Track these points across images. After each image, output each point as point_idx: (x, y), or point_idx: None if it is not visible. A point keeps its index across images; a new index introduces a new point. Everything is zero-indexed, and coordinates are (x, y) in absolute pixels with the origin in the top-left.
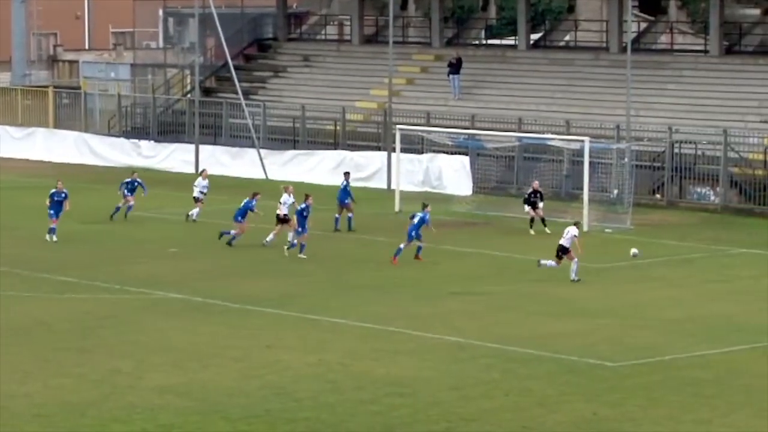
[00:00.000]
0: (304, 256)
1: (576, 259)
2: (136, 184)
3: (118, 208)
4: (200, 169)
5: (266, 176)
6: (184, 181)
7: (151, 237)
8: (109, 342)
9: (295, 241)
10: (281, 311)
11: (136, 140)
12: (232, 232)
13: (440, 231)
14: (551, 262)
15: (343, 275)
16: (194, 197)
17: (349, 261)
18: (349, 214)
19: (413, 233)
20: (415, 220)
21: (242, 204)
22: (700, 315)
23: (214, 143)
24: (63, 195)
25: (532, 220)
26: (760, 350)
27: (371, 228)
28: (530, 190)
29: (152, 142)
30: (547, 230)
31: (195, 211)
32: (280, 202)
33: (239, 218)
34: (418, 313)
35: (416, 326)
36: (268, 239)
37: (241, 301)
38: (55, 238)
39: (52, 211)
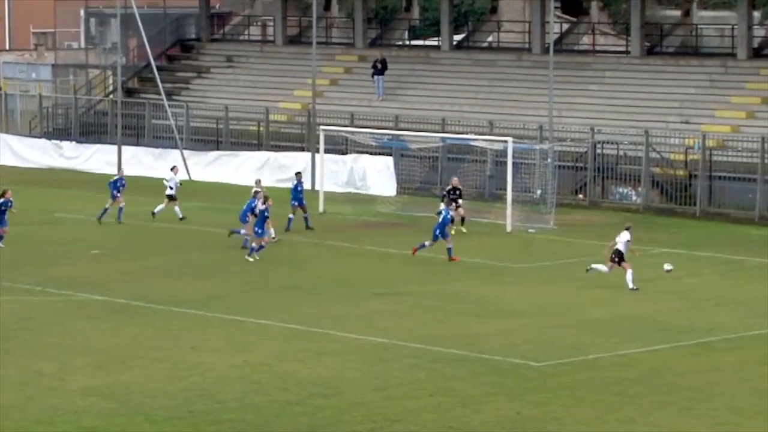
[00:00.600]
0: (256, 258)
1: (631, 267)
2: (123, 182)
3: (105, 210)
4: (171, 166)
5: (189, 177)
6: (106, 182)
7: (73, 238)
8: (32, 344)
9: (254, 244)
10: (205, 312)
11: (58, 141)
12: (242, 231)
13: (364, 231)
14: (602, 267)
15: (268, 276)
16: (168, 195)
17: (273, 262)
18: (305, 214)
19: (437, 232)
20: (440, 218)
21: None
22: (623, 314)
23: (137, 144)
24: (9, 204)
25: (462, 219)
26: (683, 349)
27: (295, 229)
28: (449, 186)
29: (74, 143)
30: (463, 229)
31: (159, 207)
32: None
33: (245, 218)
34: (343, 314)
35: (340, 327)
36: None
37: (164, 302)
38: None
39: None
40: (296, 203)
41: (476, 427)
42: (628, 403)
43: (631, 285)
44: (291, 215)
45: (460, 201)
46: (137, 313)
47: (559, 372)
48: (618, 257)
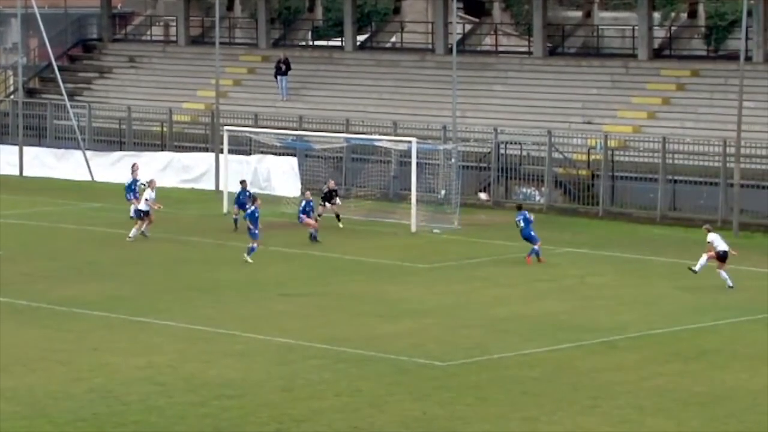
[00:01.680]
0: (251, 261)
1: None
2: (138, 184)
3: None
4: (149, 179)
5: (92, 178)
6: (7, 183)
7: None
8: None
9: (254, 245)
10: (109, 314)
11: None
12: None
13: (269, 232)
14: (703, 261)
15: (171, 277)
16: (141, 210)
17: (177, 263)
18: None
19: (532, 234)
20: (522, 223)
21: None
22: (526, 314)
23: (39, 145)
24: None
25: (337, 216)
26: (585, 348)
27: (199, 229)
28: (326, 189)
29: None
30: (340, 225)
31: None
32: (146, 198)
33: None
34: (247, 315)
35: (245, 328)
36: (131, 235)
37: (67, 304)
38: None
39: None
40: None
41: (382, 427)
42: (532, 402)
43: (730, 282)
44: (235, 216)
45: (337, 200)
46: (39, 315)
47: (464, 371)
48: (725, 257)
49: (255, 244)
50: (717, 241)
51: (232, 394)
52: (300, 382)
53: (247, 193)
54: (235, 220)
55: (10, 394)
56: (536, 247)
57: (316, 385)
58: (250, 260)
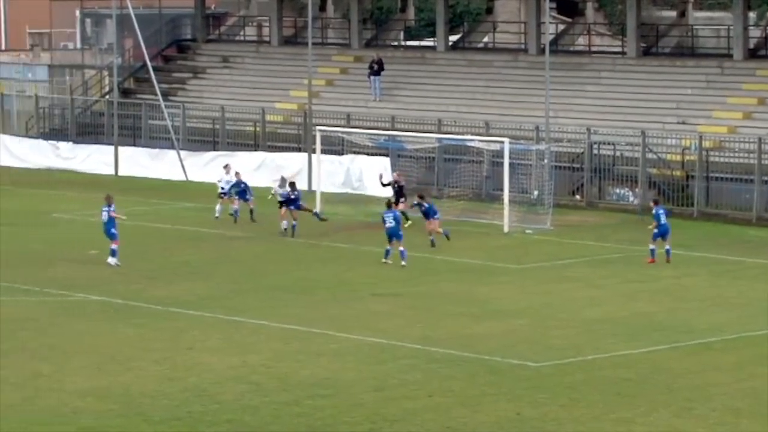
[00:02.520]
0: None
1: None
2: (242, 186)
3: (236, 212)
4: (224, 164)
5: (186, 177)
6: (103, 182)
7: (70, 239)
8: (30, 345)
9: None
10: (203, 313)
11: (55, 142)
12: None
13: (361, 232)
14: None
15: (265, 277)
16: (221, 193)
17: (270, 262)
18: (294, 222)
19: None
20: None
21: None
22: (620, 315)
23: (134, 144)
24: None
25: (404, 214)
26: (681, 349)
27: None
28: (389, 181)
29: (71, 143)
30: (407, 224)
31: (218, 207)
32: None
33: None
34: (340, 315)
35: (338, 327)
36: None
37: (162, 303)
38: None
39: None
40: (292, 207)
41: (475, 427)
42: (626, 403)
43: None
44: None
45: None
46: (135, 313)
47: (557, 372)
48: None
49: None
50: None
51: (325, 393)
52: (392, 381)
53: (242, 185)
54: (236, 212)
55: (105, 393)
56: (653, 248)
57: (409, 385)
58: (387, 262)
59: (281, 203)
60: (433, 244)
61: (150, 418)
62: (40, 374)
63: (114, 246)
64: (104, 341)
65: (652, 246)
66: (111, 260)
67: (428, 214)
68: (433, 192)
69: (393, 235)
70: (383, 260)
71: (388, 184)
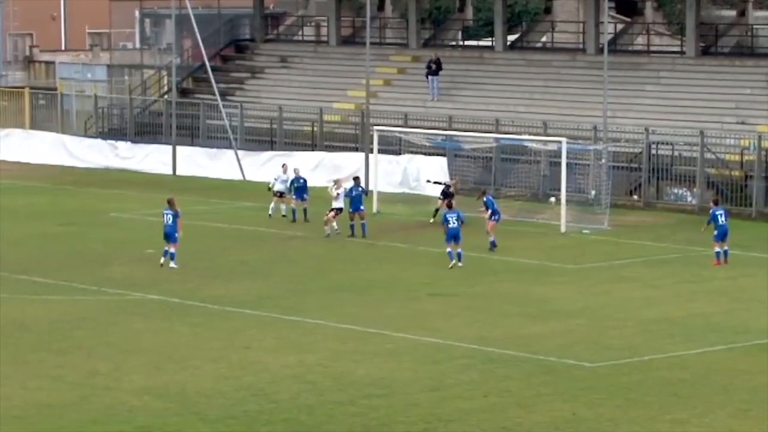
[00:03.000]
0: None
1: None
2: (302, 181)
3: (294, 212)
4: (282, 164)
5: (244, 177)
6: (161, 182)
7: (127, 238)
8: (87, 344)
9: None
10: (260, 312)
11: (113, 141)
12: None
13: (418, 232)
14: None
15: (321, 276)
16: (277, 191)
17: (327, 262)
18: (363, 221)
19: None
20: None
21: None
22: (677, 315)
23: (192, 144)
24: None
25: (437, 210)
26: (738, 350)
27: (348, 229)
28: (449, 184)
29: (129, 143)
30: (431, 220)
31: (272, 206)
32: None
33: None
34: (396, 315)
35: (394, 327)
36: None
37: (218, 302)
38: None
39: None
40: (361, 207)
41: (531, 427)
42: (682, 404)
43: None
44: (352, 222)
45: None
46: (192, 312)
47: (614, 373)
48: None
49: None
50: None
51: (381, 393)
52: (448, 381)
53: (302, 180)
54: (293, 211)
55: (162, 391)
56: (726, 247)
57: (464, 385)
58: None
59: (333, 210)
60: (493, 246)
61: (206, 417)
62: (97, 373)
63: (173, 249)
64: (161, 340)
65: (716, 249)
66: (172, 264)
67: (491, 211)
68: (490, 192)
69: (454, 236)
70: (452, 264)
71: (438, 183)
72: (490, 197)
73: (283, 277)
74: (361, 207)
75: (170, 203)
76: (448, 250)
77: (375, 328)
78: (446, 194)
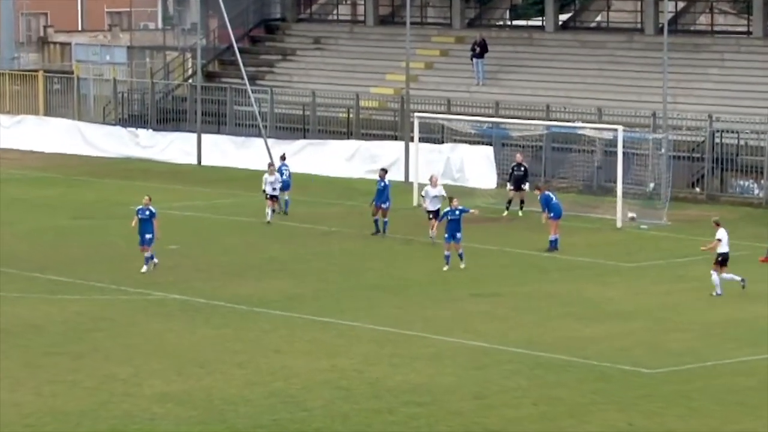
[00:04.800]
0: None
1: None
2: (285, 170)
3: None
4: (267, 163)
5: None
6: (185, 172)
7: None
8: (105, 346)
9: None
10: (290, 313)
11: (134, 129)
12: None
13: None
14: (726, 277)
15: (356, 275)
16: (269, 195)
17: (362, 259)
18: (384, 219)
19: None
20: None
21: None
22: (743, 318)
23: (218, 132)
24: (148, 212)
25: (509, 201)
26: None
27: (388, 224)
28: (513, 163)
29: (150, 130)
30: (520, 213)
31: (267, 212)
32: (422, 195)
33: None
34: (437, 316)
35: (435, 330)
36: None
37: (246, 302)
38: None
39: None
40: (385, 204)
41: None
42: (749, 413)
43: (719, 291)
44: (375, 217)
45: (526, 185)
46: (217, 313)
47: (674, 379)
48: (724, 260)
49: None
50: (724, 239)
51: (421, 400)
52: (494, 388)
53: (285, 169)
54: (376, 222)
55: (185, 398)
56: None
57: (512, 392)
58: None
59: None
60: (552, 247)
61: (233, 426)
62: (115, 378)
63: (148, 253)
64: (184, 343)
65: None
66: (155, 260)
67: (550, 208)
68: (540, 184)
69: (453, 234)
70: (446, 268)
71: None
72: (547, 194)
73: (315, 276)
74: (387, 203)
75: (148, 202)
76: (446, 252)
77: (414, 331)
78: (517, 180)
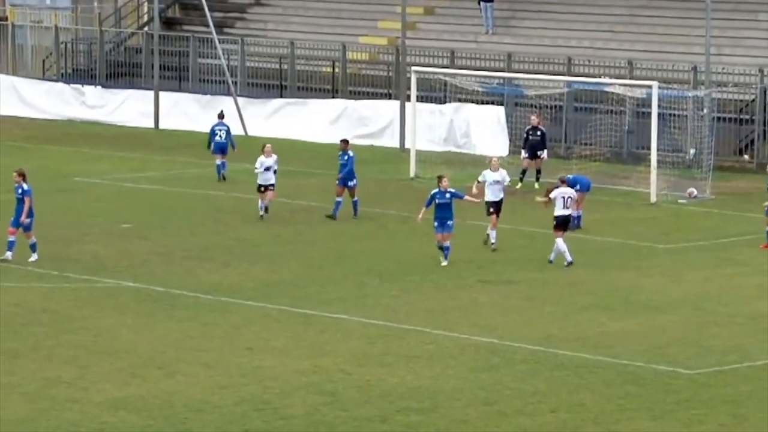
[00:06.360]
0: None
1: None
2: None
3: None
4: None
5: (245, 132)
6: (140, 137)
7: (98, 209)
8: (46, 344)
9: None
10: (265, 304)
11: (79, 86)
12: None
13: (466, 203)
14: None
15: (344, 259)
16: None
17: (351, 240)
18: (354, 199)
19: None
20: None
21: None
22: None
23: (179, 90)
24: (21, 191)
25: (524, 171)
26: None
27: (379, 198)
28: (528, 126)
29: (99, 88)
30: (537, 185)
31: (264, 203)
32: (478, 180)
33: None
34: (439, 307)
35: (437, 323)
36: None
37: (213, 291)
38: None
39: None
40: (350, 183)
41: None
42: None
43: (569, 257)
44: (338, 197)
45: (544, 153)
46: (179, 304)
47: (717, 382)
48: (563, 222)
49: None
50: (559, 200)
51: (420, 407)
52: (506, 393)
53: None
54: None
55: (141, 404)
56: None
57: (527, 397)
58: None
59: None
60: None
61: None
62: (58, 381)
63: (33, 239)
64: (140, 340)
65: None
66: (9, 254)
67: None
68: (560, 151)
69: (443, 221)
70: (444, 262)
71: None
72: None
73: (295, 260)
74: (354, 180)
75: (20, 176)
76: (438, 244)
77: (411, 324)
78: (533, 147)
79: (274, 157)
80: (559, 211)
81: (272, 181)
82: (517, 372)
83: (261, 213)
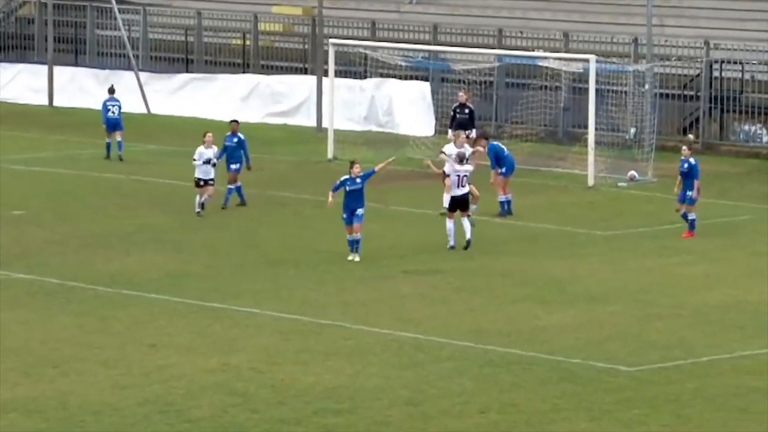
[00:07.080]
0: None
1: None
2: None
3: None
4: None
5: (148, 109)
6: (32, 115)
7: None
8: None
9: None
10: (170, 297)
11: None
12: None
13: (390, 186)
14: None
15: (256, 247)
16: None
17: (264, 227)
18: (237, 184)
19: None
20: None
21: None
22: (747, 300)
23: (75, 64)
24: None
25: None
26: None
27: (293, 182)
28: (456, 103)
29: None
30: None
31: (202, 199)
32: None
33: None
34: (360, 300)
35: (357, 317)
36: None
37: (113, 283)
38: None
39: None
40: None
41: None
42: (754, 421)
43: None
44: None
45: (473, 132)
46: (76, 297)
47: (659, 379)
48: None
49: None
50: (454, 179)
51: (338, 408)
52: (432, 392)
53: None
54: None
55: (34, 406)
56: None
57: (455, 396)
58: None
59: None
60: (505, 210)
61: None
62: None
63: None
64: (33, 336)
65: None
66: None
67: (500, 161)
68: (490, 130)
69: (353, 210)
70: (352, 258)
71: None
72: (496, 145)
73: (202, 248)
74: (239, 164)
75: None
76: (350, 237)
77: (329, 319)
78: (461, 125)
79: (214, 148)
80: (455, 190)
81: (212, 176)
82: (444, 370)
83: (198, 210)
